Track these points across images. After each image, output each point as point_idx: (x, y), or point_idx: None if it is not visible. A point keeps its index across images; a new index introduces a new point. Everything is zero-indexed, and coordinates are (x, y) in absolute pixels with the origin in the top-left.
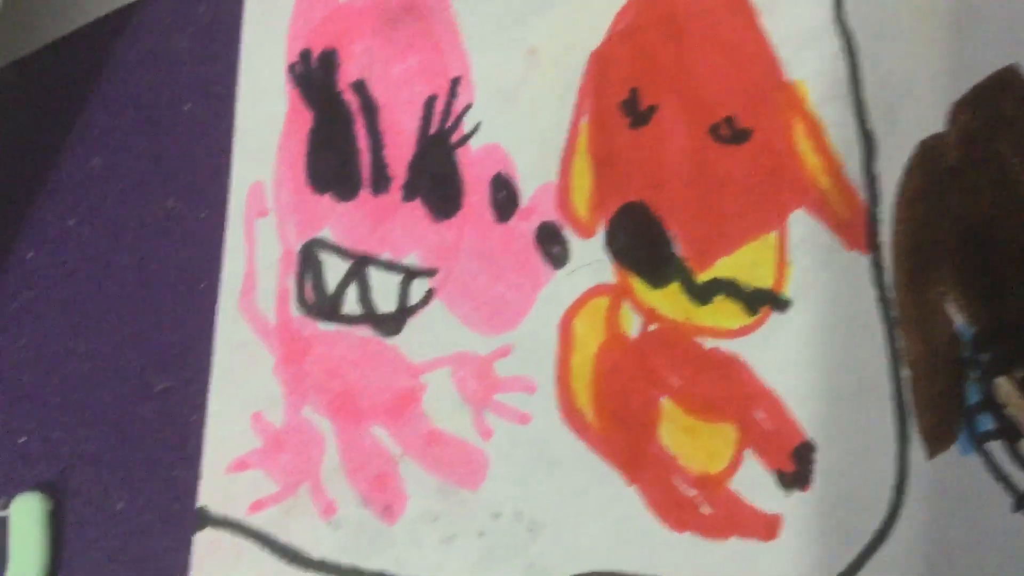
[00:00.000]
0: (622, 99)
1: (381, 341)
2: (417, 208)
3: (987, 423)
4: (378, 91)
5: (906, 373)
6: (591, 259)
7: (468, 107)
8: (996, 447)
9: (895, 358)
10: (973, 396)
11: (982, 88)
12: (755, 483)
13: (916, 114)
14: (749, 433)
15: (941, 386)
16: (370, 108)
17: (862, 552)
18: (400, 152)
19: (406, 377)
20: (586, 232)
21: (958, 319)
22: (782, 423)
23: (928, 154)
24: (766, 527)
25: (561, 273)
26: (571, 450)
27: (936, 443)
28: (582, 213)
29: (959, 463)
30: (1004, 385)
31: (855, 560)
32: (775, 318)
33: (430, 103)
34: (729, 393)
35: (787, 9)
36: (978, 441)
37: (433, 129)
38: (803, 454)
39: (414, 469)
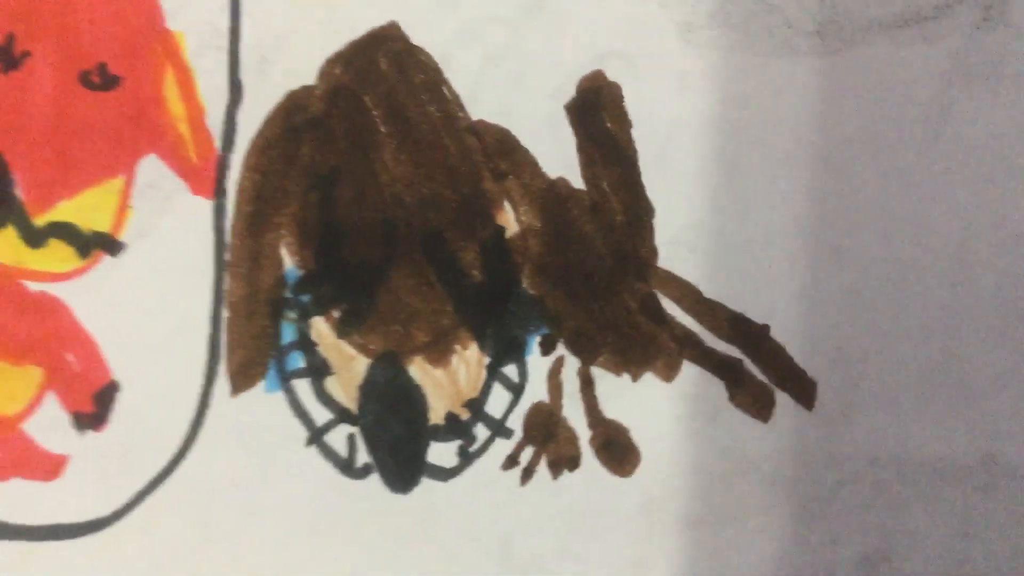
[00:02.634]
0: None
1: None
2: None
3: (298, 361)
4: None
5: (227, 314)
6: None
7: None
8: (302, 385)
9: (218, 300)
10: (288, 336)
11: (359, 44)
12: (50, 425)
13: (289, 67)
14: (55, 376)
15: (258, 326)
16: None
17: (143, 488)
18: None
19: None
20: None
21: (288, 263)
22: (91, 366)
23: (292, 104)
24: (50, 467)
25: None
26: None
27: (243, 380)
28: None
29: (264, 400)
30: (320, 325)
31: (134, 496)
32: (107, 262)
33: None
34: (43, 336)
35: None
36: (286, 379)
37: None
38: (105, 395)
39: None
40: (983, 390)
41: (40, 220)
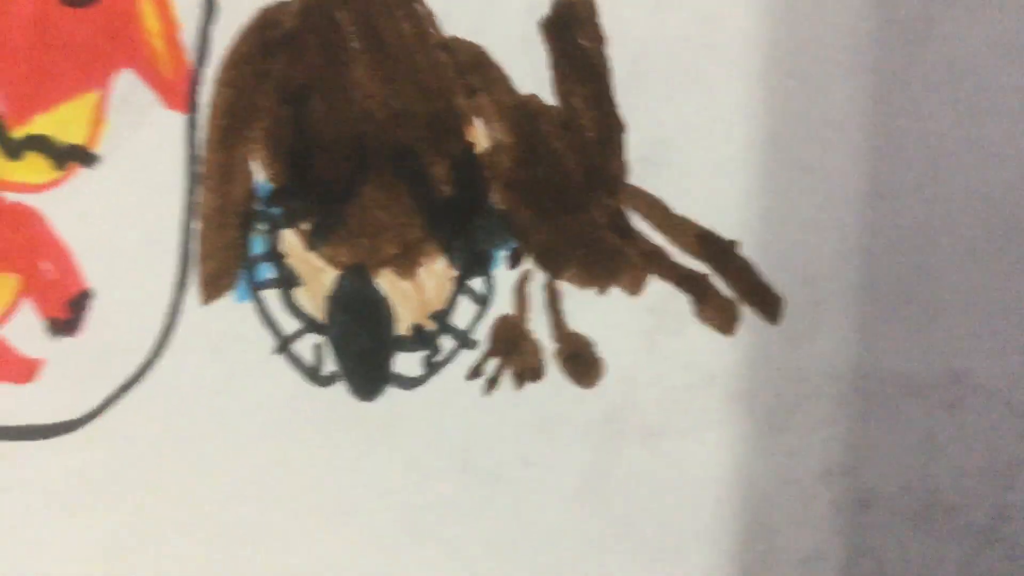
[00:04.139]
0: None
1: None
2: None
3: (267, 272)
4: None
5: (198, 226)
6: None
7: None
8: (270, 296)
9: (190, 212)
10: (258, 248)
11: None
12: (26, 330)
13: None
14: (31, 283)
15: (228, 237)
16: None
17: (114, 392)
18: None
19: None
20: None
21: (260, 176)
22: (66, 274)
23: (265, 20)
24: (26, 371)
25: None
26: None
27: (213, 289)
28: None
29: (233, 309)
30: (290, 237)
31: (105, 400)
32: (82, 174)
33: None
34: (19, 244)
35: None
36: (255, 289)
37: None
38: (79, 302)
39: None
40: (952, 307)
41: (17, 133)
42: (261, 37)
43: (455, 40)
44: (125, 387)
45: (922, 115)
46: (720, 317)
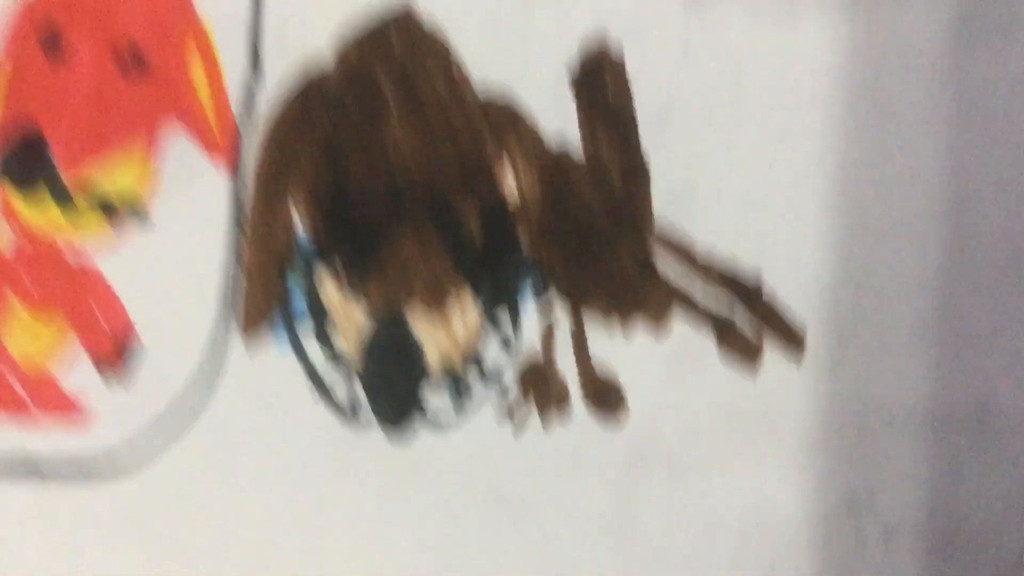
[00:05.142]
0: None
1: None
2: None
3: (306, 321)
4: None
5: (240, 275)
6: None
7: None
8: (309, 342)
9: (234, 262)
10: (297, 297)
11: (377, 27)
12: (81, 377)
13: (306, 48)
14: (85, 332)
15: (269, 285)
16: None
17: (168, 434)
18: None
19: None
20: None
21: (301, 230)
22: (116, 322)
23: (308, 86)
24: (79, 416)
25: None
26: None
27: (254, 334)
28: None
29: (273, 357)
30: (327, 285)
31: (159, 442)
32: (136, 231)
33: None
34: (74, 295)
35: None
36: (293, 333)
37: None
38: (127, 350)
39: None
40: (978, 339)
41: (78, 193)
42: (304, 101)
43: (487, 96)
44: (168, 433)
45: (948, 150)
46: (743, 355)
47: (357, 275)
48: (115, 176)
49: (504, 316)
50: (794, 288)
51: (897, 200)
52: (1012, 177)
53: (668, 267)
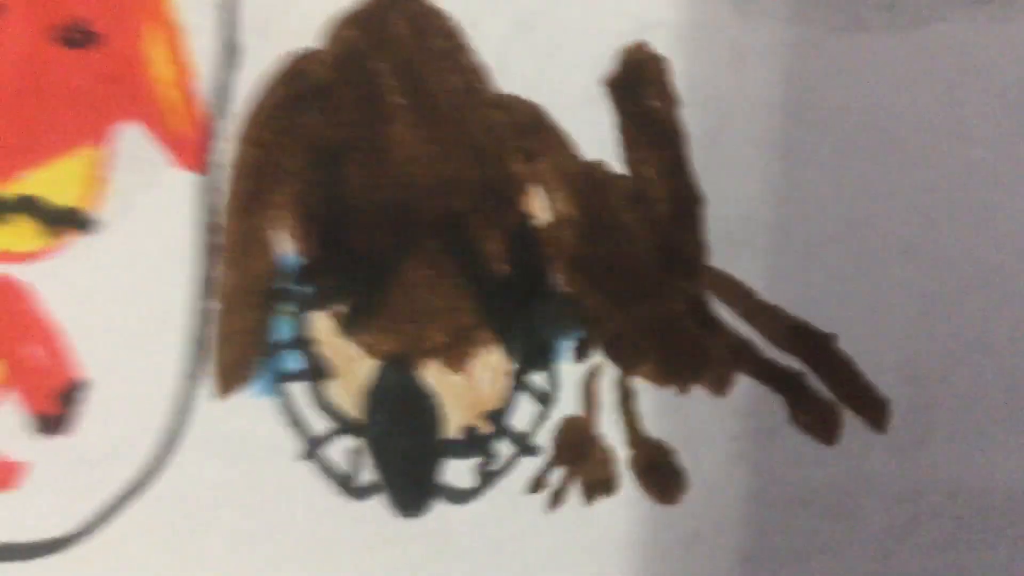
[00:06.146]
0: None
1: None
2: None
3: (294, 362)
4: None
5: (214, 305)
6: None
7: None
8: (297, 390)
9: (204, 288)
10: (283, 333)
11: (372, 3)
12: (9, 428)
13: (293, 27)
14: (16, 371)
15: (249, 320)
16: None
17: (113, 503)
18: None
19: None
20: None
21: (284, 248)
22: (56, 361)
23: (296, 69)
24: (8, 476)
25: None
26: None
27: (231, 381)
28: None
29: (253, 405)
30: (321, 321)
31: (103, 512)
32: (80, 241)
33: None
34: (3, 325)
35: None
36: (280, 381)
37: None
38: (71, 395)
39: None
40: None
41: (3, 192)
42: (290, 89)
43: (510, 97)
44: (126, 497)
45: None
46: (819, 422)
47: (357, 309)
48: (55, 178)
49: (535, 365)
50: (872, 345)
51: (985, 250)
52: None
53: (726, 314)
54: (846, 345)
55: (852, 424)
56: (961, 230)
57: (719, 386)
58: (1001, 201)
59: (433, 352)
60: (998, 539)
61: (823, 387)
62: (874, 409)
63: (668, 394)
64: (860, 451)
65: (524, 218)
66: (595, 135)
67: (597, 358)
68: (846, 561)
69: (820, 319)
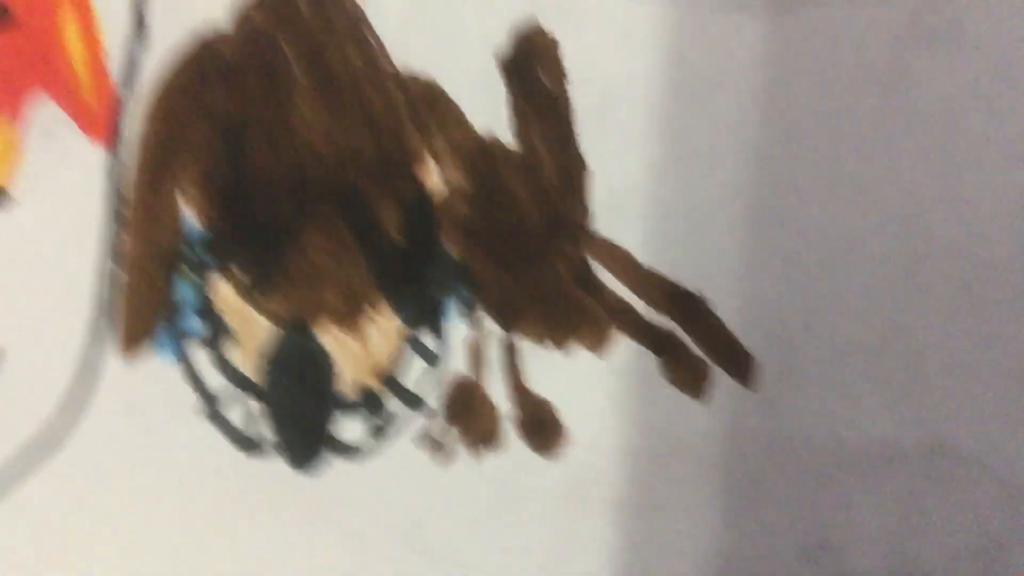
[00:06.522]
0: None
1: None
2: None
3: (195, 325)
4: None
5: (118, 272)
6: None
7: None
8: (198, 352)
9: (110, 256)
10: (186, 297)
11: None
12: None
13: (200, 7)
14: None
15: (154, 286)
16: None
17: (18, 463)
18: None
19: None
20: None
21: (190, 218)
22: None
23: (203, 47)
24: None
25: None
26: None
27: (134, 345)
28: None
29: (156, 367)
30: (222, 287)
31: (7, 472)
32: None
33: None
34: None
35: None
36: (180, 343)
37: None
38: None
39: None
40: (933, 371)
41: None
42: (197, 66)
43: (409, 74)
44: (32, 457)
45: (901, 166)
46: (691, 379)
47: (257, 275)
48: None
49: (426, 326)
50: (743, 308)
51: (851, 219)
52: (964, 195)
53: (607, 278)
54: (717, 306)
55: (723, 381)
56: (826, 198)
57: (597, 344)
58: (865, 171)
59: (329, 315)
60: (855, 489)
61: (695, 346)
62: (742, 365)
63: (550, 352)
64: (727, 405)
65: (419, 188)
66: (489, 109)
67: (483, 319)
68: (714, 508)
69: (694, 282)
